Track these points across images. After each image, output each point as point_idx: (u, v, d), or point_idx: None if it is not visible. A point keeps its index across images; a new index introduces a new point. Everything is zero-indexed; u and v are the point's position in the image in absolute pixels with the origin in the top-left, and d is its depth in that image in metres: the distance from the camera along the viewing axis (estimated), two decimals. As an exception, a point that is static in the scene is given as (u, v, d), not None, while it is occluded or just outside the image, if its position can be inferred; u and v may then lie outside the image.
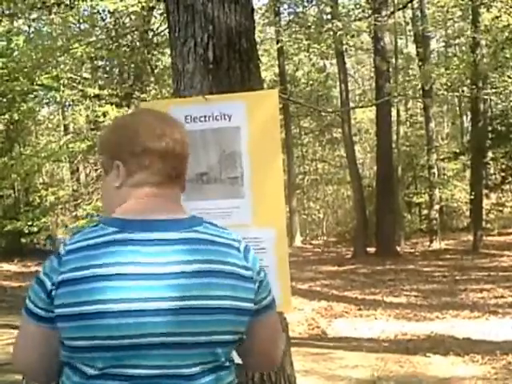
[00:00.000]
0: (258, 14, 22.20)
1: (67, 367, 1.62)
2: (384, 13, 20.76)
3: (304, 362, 7.48)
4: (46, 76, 18.11)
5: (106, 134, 1.83)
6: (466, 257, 19.43)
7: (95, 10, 18.49)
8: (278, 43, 25.30)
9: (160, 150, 1.69)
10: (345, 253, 23.32)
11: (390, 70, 22.17)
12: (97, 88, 19.96)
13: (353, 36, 23.94)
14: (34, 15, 20.11)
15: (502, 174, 24.70)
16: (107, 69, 23.35)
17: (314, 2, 25.42)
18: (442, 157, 27.03)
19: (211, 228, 1.70)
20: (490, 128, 23.48)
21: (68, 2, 17.90)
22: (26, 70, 16.49)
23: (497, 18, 20.70)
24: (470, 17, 22.41)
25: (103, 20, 20.03)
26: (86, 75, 22.06)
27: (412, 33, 28.12)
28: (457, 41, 28.35)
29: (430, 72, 20.56)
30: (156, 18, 19.43)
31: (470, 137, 26.82)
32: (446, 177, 27.62)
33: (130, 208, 1.67)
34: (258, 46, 3.84)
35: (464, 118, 34.11)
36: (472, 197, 23.35)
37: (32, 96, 21.71)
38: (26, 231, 19.43)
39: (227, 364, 1.68)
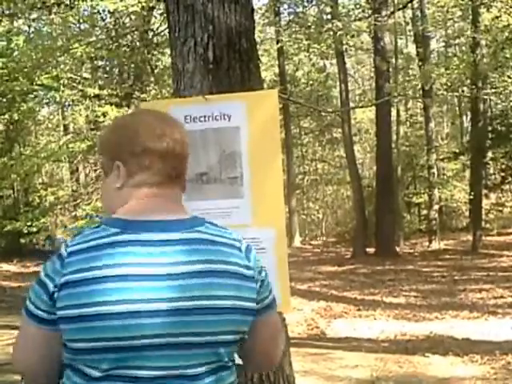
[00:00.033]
0: (258, 13, 22.21)
1: (69, 369, 1.62)
2: (384, 13, 20.77)
3: (303, 363, 7.48)
4: (46, 76, 18.11)
5: (106, 135, 1.82)
6: (465, 257, 19.44)
7: (95, 10, 18.51)
8: (278, 43, 25.31)
9: (160, 150, 1.69)
10: (344, 253, 23.32)
11: (390, 69, 22.17)
12: (97, 88, 19.97)
13: (353, 36, 23.95)
14: (34, 15, 20.12)
15: (502, 174, 24.69)
16: (107, 69, 23.36)
17: (314, 2, 25.45)
18: (441, 157, 27.04)
19: (213, 228, 1.70)
20: (489, 128, 23.48)
21: (68, 2, 17.91)
22: (25, 70, 16.50)
23: (497, 17, 20.71)
24: (470, 17, 22.41)
25: (103, 20, 20.04)
26: (85, 75, 22.06)
27: (412, 33, 28.13)
28: (457, 41, 28.36)
29: (429, 72, 20.57)
30: (156, 17, 19.44)
31: (469, 137, 26.82)
32: (445, 177, 27.62)
33: (131, 209, 1.66)
34: (258, 46, 3.85)
35: (464, 118, 34.11)
36: (471, 197, 23.34)
37: (32, 96, 21.71)
38: (26, 231, 19.43)
39: (229, 364, 1.68)
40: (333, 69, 30.81)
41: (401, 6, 22.72)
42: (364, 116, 32.65)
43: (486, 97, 23.84)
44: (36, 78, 18.07)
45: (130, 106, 19.79)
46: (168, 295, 1.55)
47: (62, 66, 18.81)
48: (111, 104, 18.45)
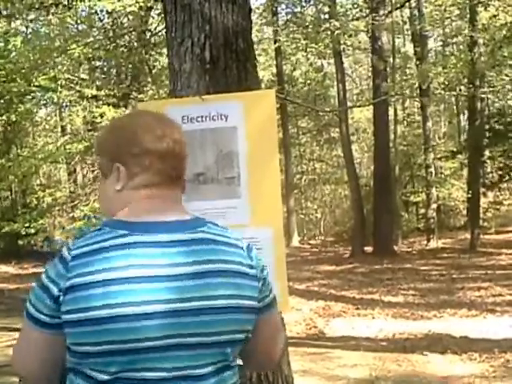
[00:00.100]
0: (255, 13, 22.24)
1: (71, 373, 1.61)
2: (381, 12, 20.78)
3: (302, 362, 7.49)
4: (44, 77, 18.09)
5: (104, 135, 1.80)
6: (463, 255, 19.44)
7: (93, 11, 18.52)
8: (275, 43, 25.30)
9: (161, 151, 1.68)
10: (342, 252, 23.32)
11: (388, 69, 22.16)
12: (94, 89, 19.96)
13: (350, 35, 23.95)
14: (32, 16, 20.09)
15: (499, 172, 24.70)
16: (105, 69, 23.38)
17: (311, 2, 25.45)
18: (439, 156, 27.06)
19: (214, 228, 1.70)
20: (487, 127, 23.49)
21: (66, 3, 17.90)
22: (23, 71, 16.50)
23: (494, 16, 20.72)
24: (468, 15, 22.39)
25: (101, 20, 20.05)
26: (83, 76, 22.06)
27: (409, 32, 28.08)
28: (454, 40, 28.34)
29: (427, 71, 20.57)
30: (153, 18, 19.45)
31: (467, 135, 26.85)
32: (443, 176, 27.59)
33: (133, 210, 1.65)
34: (255, 46, 3.85)
35: (461, 116, 34.10)
36: (469, 195, 23.32)
37: (29, 97, 21.73)
38: (23, 233, 19.39)
39: (233, 364, 1.69)
40: (330, 68, 30.86)
41: (398, 6, 22.69)
42: (361, 115, 32.66)
43: (483, 95, 23.87)
44: (33, 79, 18.06)
45: (127, 107, 19.80)
46: (175, 296, 1.55)
47: (59, 67, 18.78)
48: (109, 105, 18.45)
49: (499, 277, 14.45)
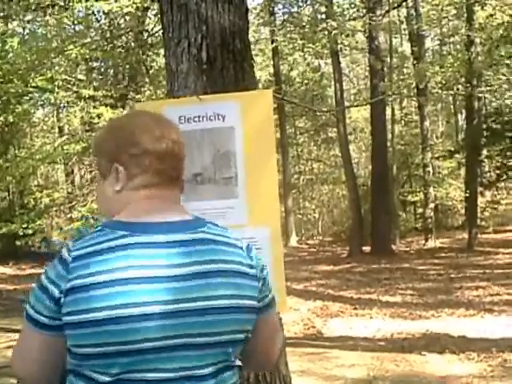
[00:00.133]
0: (252, 13, 22.26)
1: (71, 375, 1.60)
2: (378, 12, 20.79)
3: (300, 362, 7.48)
4: (41, 78, 18.08)
5: (102, 136, 1.78)
6: (461, 255, 19.46)
7: (90, 11, 18.48)
8: (272, 43, 25.34)
9: (160, 152, 1.68)
10: (340, 252, 23.34)
11: (385, 68, 22.21)
12: (91, 89, 19.92)
13: (347, 35, 23.98)
14: (29, 17, 20.08)
15: (497, 171, 24.76)
16: (102, 70, 23.36)
17: (308, 2, 25.47)
18: (436, 155, 27.10)
19: (214, 228, 1.70)
20: (484, 126, 23.54)
21: (63, 4, 17.90)
22: (20, 72, 16.48)
23: (491, 15, 20.73)
24: (465, 15, 22.42)
25: (98, 21, 20.05)
26: (80, 77, 22.04)
27: (407, 31, 28.14)
28: (451, 39, 28.39)
29: (424, 70, 20.58)
30: (150, 18, 19.46)
31: (464, 135, 26.85)
32: (440, 175, 27.64)
33: (132, 211, 1.65)
34: (252, 46, 3.85)
35: (459, 116, 34.15)
36: (467, 195, 23.36)
37: (27, 98, 21.68)
38: (21, 234, 19.34)
39: (233, 364, 1.68)
40: (327, 68, 30.88)
41: (395, 5, 22.73)
42: (359, 115, 32.69)
43: (480, 95, 23.87)
44: (31, 80, 18.04)
45: (124, 107, 19.79)
46: (176, 297, 1.54)
47: (56, 68, 18.78)
48: (106, 105, 18.43)
49: (497, 276, 14.47)
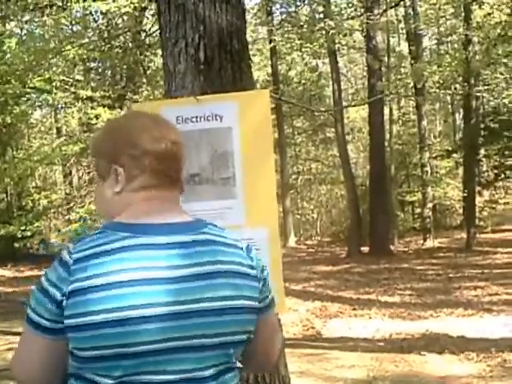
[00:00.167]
0: (250, 13, 22.28)
1: (72, 378, 1.59)
2: (376, 11, 20.80)
3: (299, 363, 7.48)
4: (39, 79, 18.09)
5: (101, 137, 1.77)
6: (459, 255, 19.46)
7: (87, 12, 18.48)
8: (270, 43, 25.29)
9: (159, 152, 1.66)
10: (339, 252, 23.33)
11: (383, 68, 22.19)
12: (89, 90, 19.92)
13: (345, 35, 23.96)
14: (27, 17, 20.10)
15: (495, 171, 24.77)
16: (100, 70, 23.35)
17: (306, 2, 25.46)
18: (434, 155, 27.09)
19: (215, 229, 1.69)
20: (482, 125, 23.55)
21: (60, 4, 17.89)
22: (18, 72, 16.49)
23: (489, 14, 20.74)
24: (462, 14, 22.44)
25: (95, 21, 20.05)
26: (78, 77, 22.04)
27: (404, 31, 28.14)
28: (449, 38, 28.38)
29: (422, 70, 20.57)
30: (148, 18, 19.46)
31: (462, 134, 26.86)
32: (438, 175, 27.63)
33: (132, 212, 1.64)
34: (250, 46, 3.84)
35: (456, 115, 34.18)
36: (465, 194, 23.36)
37: (24, 99, 21.70)
38: (19, 236, 19.37)
39: (234, 366, 1.68)
40: (325, 68, 30.82)
41: (393, 4, 22.74)
42: (357, 115, 32.69)
43: (478, 94, 23.92)
44: (28, 81, 18.05)
45: (122, 108, 19.80)
46: (178, 298, 1.54)
47: (54, 69, 18.78)
48: (104, 106, 18.44)
49: (495, 276, 14.47)
